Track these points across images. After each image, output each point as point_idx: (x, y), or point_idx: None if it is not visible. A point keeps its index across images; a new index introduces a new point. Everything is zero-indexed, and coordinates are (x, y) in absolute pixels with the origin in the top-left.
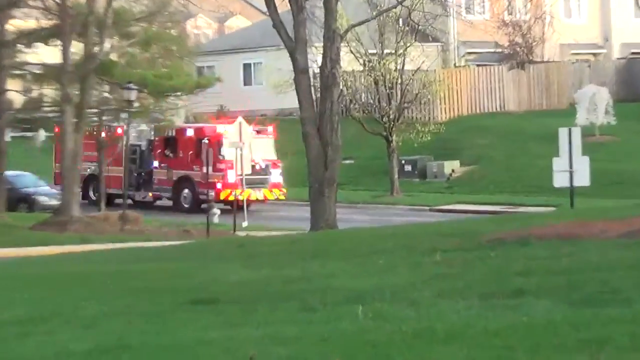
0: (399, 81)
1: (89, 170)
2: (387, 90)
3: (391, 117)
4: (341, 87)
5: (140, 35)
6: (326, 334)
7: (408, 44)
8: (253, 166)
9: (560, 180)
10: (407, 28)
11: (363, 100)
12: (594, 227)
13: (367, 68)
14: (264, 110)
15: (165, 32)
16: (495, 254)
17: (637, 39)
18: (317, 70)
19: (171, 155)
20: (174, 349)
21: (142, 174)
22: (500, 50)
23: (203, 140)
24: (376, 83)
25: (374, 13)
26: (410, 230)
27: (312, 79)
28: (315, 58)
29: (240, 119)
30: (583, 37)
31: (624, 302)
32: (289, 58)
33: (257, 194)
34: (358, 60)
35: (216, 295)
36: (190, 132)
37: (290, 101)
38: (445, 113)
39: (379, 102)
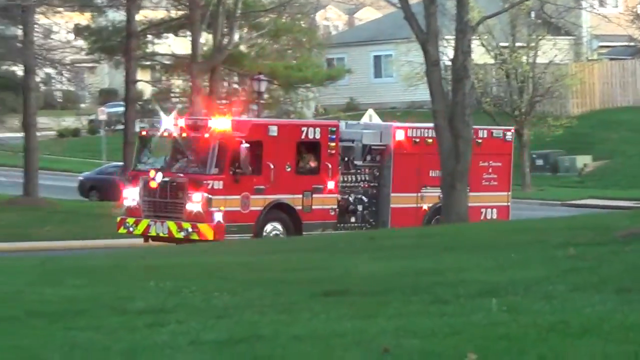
0: (531, 75)
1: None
2: (519, 84)
3: (523, 110)
4: (472, 80)
5: (270, 27)
6: (459, 326)
7: (540, 37)
8: None
9: None
10: (539, 21)
11: (494, 93)
12: None
13: (498, 61)
14: (394, 103)
15: (295, 23)
16: (630, 249)
17: None
18: (448, 63)
19: None
20: (307, 339)
21: None
22: (633, 44)
23: None
24: (507, 76)
25: (506, 5)
26: (542, 224)
27: (443, 72)
28: (446, 51)
29: (370, 111)
30: None
31: None
32: (420, 50)
33: None
34: (489, 53)
35: (348, 287)
36: None
37: (421, 94)
38: (578, 107)
39: (510, 95)
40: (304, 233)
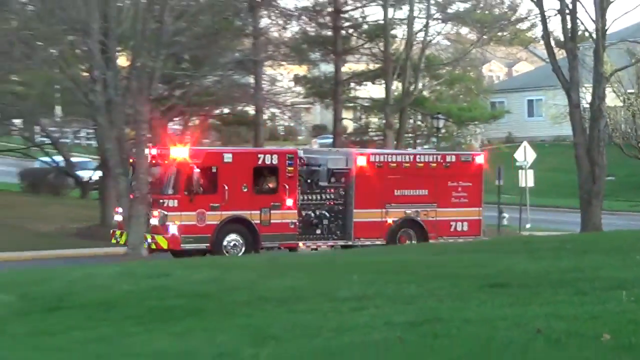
0: None
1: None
2: None
3: None
4: (606, 119)
5: (446, 77)
6: (596, 313)
7: None
8: None
9: None
10: None
11: (623, 129)
12: None
13: (626, 104)
14: (543, 137)
15: (465, 74)
16: None
17: None
18: (587, 106)
19: None
20: (476, 322)
21: None
22: None
23: None
24: (633, 116)
25: (633, 60)
26: None
27: (582, 112)
28: (585, 96)
29: (524, 143)
30: None
31: None
32: (565, 95)
33: None
34: (619, 98)
35: (508, 280)
36: None
37: (565, 130)
38: None
39: (635, 131)
40: (262, 243)
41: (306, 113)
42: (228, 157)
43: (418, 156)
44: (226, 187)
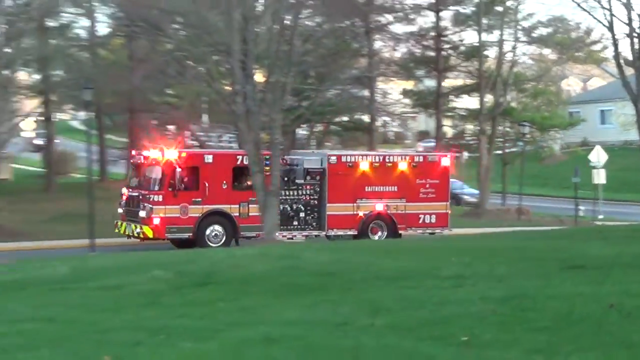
0: None
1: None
2: None
3: None
4: None
5: (531, 90)
6: None
7: None
8: None
9: None
10: None
11: None
12: None
13: None
14: (613, 141)
15: (547, 88)
16: None
17: None
18: None
19: None
20: (558, 298)
21: None
22: None
23: None
24: None
25: None
26: None
27: None
28: None
29: (597, 147)
30: None
31: None
32: (632, 106)
33: None
34: None
35: (585, 263)
36: None
37: (632, 135)
38: None
39: None
40: (241, 234)
41: (412, 121)
42: (209, 158)
43: (387, 157)
44: (207, 184)
